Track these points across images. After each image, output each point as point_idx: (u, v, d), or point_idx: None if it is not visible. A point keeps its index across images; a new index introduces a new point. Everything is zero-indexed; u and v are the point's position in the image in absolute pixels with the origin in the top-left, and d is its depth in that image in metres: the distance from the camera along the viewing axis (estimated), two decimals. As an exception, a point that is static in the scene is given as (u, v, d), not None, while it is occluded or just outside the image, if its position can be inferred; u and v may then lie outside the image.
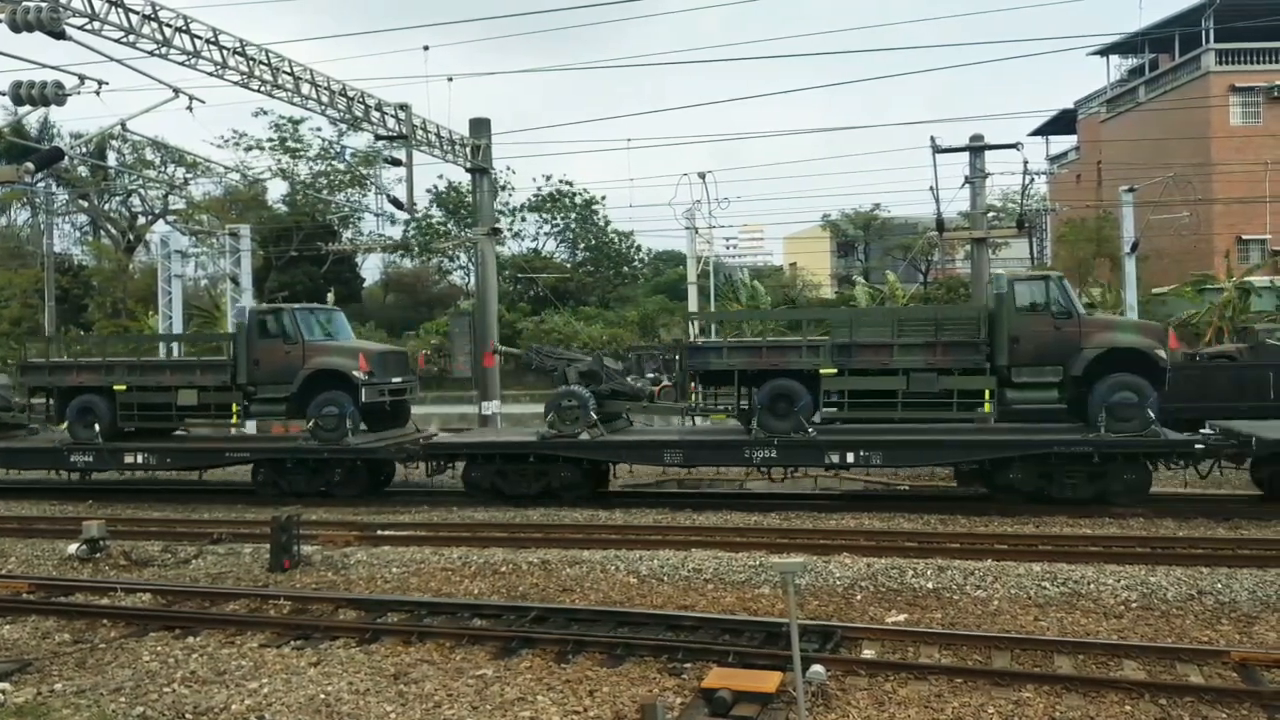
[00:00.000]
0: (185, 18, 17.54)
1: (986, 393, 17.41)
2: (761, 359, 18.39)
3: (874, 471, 20.78)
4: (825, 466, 18.70)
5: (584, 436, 18.65)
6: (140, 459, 20.82)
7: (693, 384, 19.08)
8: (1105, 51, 51.78)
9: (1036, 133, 58.41)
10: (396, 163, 23.58)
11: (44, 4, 14.87)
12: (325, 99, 20.94)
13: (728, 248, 49.07)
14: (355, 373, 19.51)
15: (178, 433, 22.55)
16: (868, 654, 9.69)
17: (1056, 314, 17.41)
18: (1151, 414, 16.73)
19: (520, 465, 19.01)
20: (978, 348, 17.53)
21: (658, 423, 24.17)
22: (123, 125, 20.85)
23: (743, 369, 18.44)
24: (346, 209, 48.15)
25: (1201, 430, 18.05)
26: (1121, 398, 16.81)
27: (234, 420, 21.18)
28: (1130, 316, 29.11)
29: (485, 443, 20.12)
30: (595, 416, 18.76)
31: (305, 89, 20.44)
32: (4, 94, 15.34)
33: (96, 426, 20.76)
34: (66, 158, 26.30)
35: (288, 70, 19.94)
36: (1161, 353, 17.01)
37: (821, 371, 17.94)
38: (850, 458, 17.77)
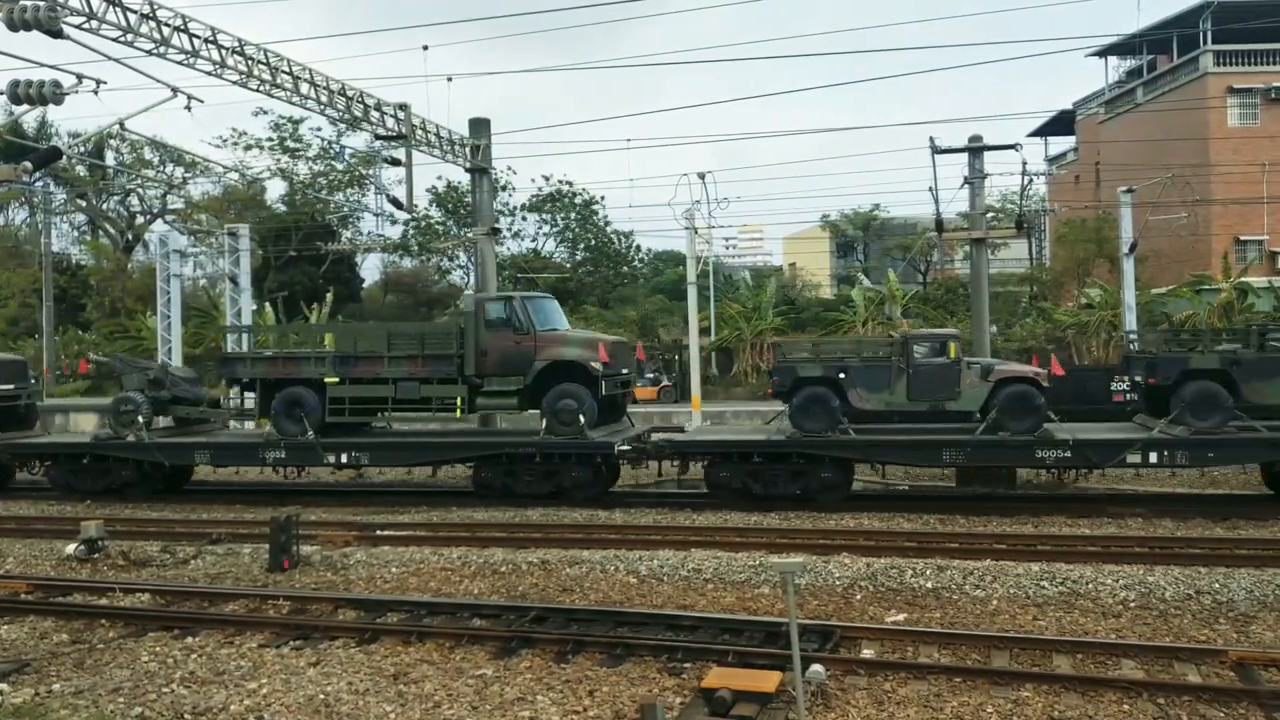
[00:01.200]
0: (183, 17, 17.51)
1: (459, 399, 19.37)
2: (277, 369, 20.25)
3: (870, 472, 20.85)
4: (327, 465, 20.67)
5: (130, 438, 20.45)
6: None
7: (230, 391, 21.29)
8: (1104, 53, 51.76)
9: (1035, 134, 58.42)
10: (396, 163, 23.53)
11: (41, 3, 14.83)
12: (324, 98, 20.92)
13: (727, 248, 49.12)
14: None
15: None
16: (867, 654, 9.71)
17: (517, 330, 19.20)
18: (584, 419, 18.42)
19: (82, 464, 20.92)
20: (451, 360, 19.45)
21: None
22: (121, 124, 20.85)
23: (264, 378, 20.30)
24: (346, 209, 48.14)
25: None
26: (563, 404, 18.66)
27: None
28: (1128, 319, 29.17)
29: (50, 444, 22.22)
30: (143, 420, 20.50)
31: (304, 88, 20.41)
32: (2, 93, 15.33)
33: None
34: (64, 157, 26.20)
35: (286, 69, 19.91)
36: (596, 365, 18.74)
37: (327, 380, 19.79)
38: (344, 458, 20.04)
